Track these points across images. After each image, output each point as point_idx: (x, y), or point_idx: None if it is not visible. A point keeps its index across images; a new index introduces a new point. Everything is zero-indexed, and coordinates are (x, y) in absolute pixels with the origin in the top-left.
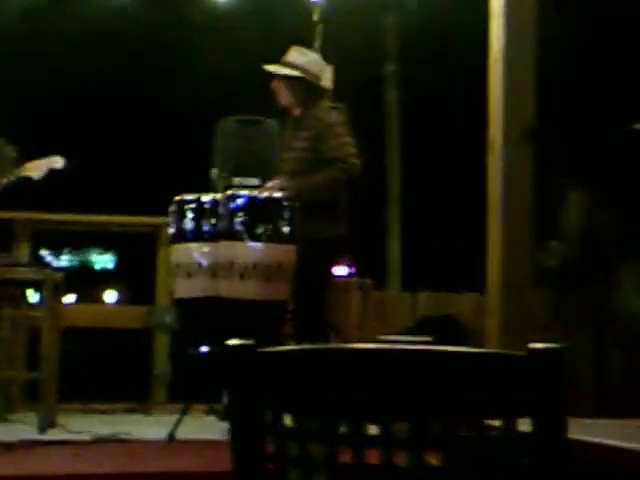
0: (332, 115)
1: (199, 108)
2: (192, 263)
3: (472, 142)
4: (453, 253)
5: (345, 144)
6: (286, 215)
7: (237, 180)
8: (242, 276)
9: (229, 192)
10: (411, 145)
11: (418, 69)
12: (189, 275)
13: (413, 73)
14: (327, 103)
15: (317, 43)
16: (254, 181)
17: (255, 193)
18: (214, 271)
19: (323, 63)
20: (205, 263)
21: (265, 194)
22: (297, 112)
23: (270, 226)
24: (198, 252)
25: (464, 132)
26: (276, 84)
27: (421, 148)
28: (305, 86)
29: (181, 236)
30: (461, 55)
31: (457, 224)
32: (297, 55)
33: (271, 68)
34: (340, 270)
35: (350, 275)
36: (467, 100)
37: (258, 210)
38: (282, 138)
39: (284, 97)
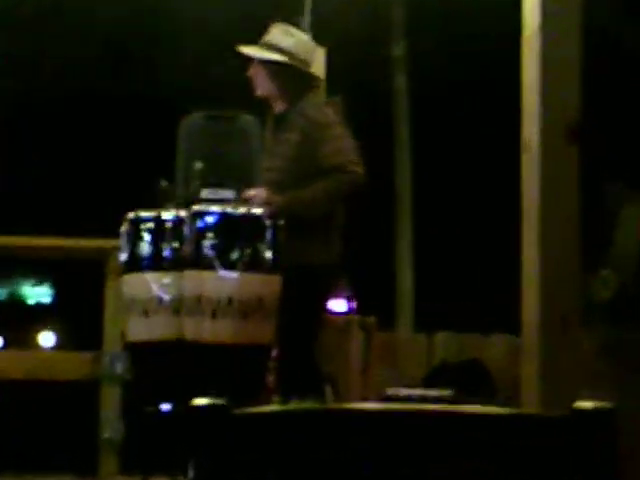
0: (326, 112)
1: (159, 102)
2: (150, 298)
3: (500, 141)
4: (479, 283)
5: (344, 149)
6: (268, 236)
7: (206, 192)
8: (213, 314)
9: (196, 208)
10: (425, 145)
11: (432, 50)
12: (146, 313)
13: (425, 55)
14: (318, 97)
15: (306, 20)
16: (228, 193)
17: (229, 209)
18: (178, 308)
19: (313, 45)
20: (166, 297)
21: (242, 210)
22: (280, 107)
23: (248, 251)
24: (157, 284)
25: (490, 128)
26: (254, 71)
27: (437, 148)
28: (291, 74)
29: (136, 264)
30: (485, 33)
31: (484, 245)
32: (281, 35)
33: (248, 50)
34: (337, 305)
35: (350, 311)
36: (493, 89)
37: (233, 230)
38: (262, 140)
39: (264, 87)
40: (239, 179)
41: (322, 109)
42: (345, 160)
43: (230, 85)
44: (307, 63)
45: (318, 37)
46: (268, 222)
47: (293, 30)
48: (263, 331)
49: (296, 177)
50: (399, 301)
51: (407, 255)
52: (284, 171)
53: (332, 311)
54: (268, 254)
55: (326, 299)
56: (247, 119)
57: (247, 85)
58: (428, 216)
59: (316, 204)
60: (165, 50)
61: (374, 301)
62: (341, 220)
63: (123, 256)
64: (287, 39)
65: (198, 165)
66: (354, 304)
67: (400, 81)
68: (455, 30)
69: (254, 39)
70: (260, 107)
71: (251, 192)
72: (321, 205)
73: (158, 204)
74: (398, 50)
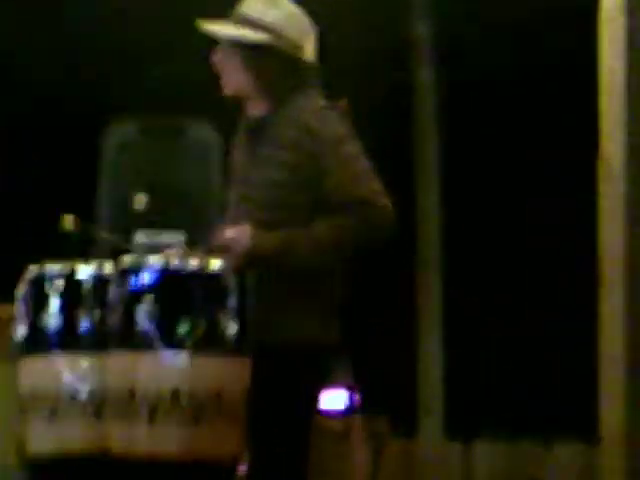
0: (333, 122)
1: (73, 103)
2: (59, 392)
3: (564, 159)
4: (535, 363)
5: (363, 174)
6: (232, 302)
7: (142, 235)
8: (151, 416)
9: (127, 259)
10: (457, 161)
11: (464, 32)
12: (54, 413)
13: (456, 38)
14: (315, 97)
15: None
16: (173, 237)
17: (175, 261)
18: (100, 406)
19: (306, 22)
20: (83, 391)
21: (194, 263)
22: (258, 110)
23: (202, 323)
24: (70, 371)
25: (549, 141)
26: (222, 57)
27: (474, 167)
28: (277, 61)
29: (38, 342)
30: (538, 11)
31: (537, 306)
32: (261, 5)
33: (213, 28)
34: (333, 400)
35: (351, 409)
36: (551, 86)
37: (181, 293)
38: (226, 158)
39: (236, 81)
40: (190, 215)
41: (327, 117)
42: (368, 190)
43: (174, 84)
44: (299, 47)
45: (314, 13)
46: (231, 281)
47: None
48: (223, 440)
49: (289, 213)
50: (422, 393)
51: (433, 321)
52: (268, 204)
53: (327, 410)
54: (231, 328)
55: (318, 392)
56: (201, 129)
57: (204, 82)
58: (461, 264)
59: (324, 251)
60: (83, 35)
61: (386, 393)
62: (340, 277)
63: (20, 330)
64: (271, 11)
65: (138, 197)
66: (357, 398)
67: (424, 73)
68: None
69: (221, 14)
70: (220, 110)
71: (230, 231)
72: (331, 253)
73: (71, 252)
74: (421, 30)
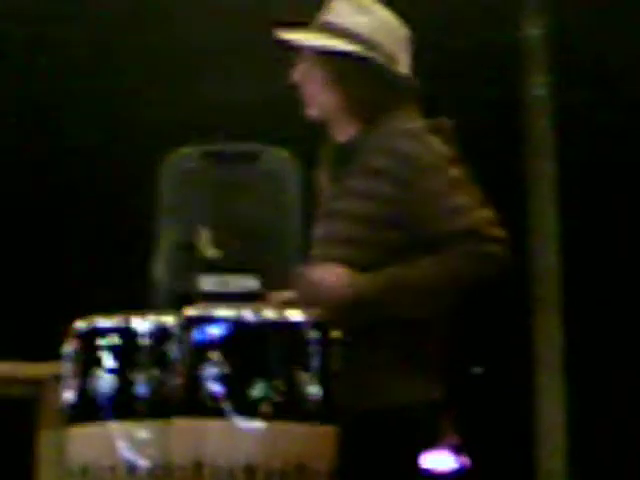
0: (430, 146)
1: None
2: (114, 465)
3: None
4: None
5: (469, 203)
6: (316, 361)
7: (210, 281)
8: None
9: (192, 311)
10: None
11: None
12: None
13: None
14: (411, 116)
15: None
16: (247, 282)
17: (248, 312)
18: None
19: (402, 30)
20: (142, 465)
21: (271, 314)
22: (346, 133)
23: (280, 384)
24: (127, 441)
25: None
26: (305, 72)
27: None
28: (370, 76)
29: (89, 408)
30: None
31: None
32: (349, 11)
33: (296, 36)
34: (438, 461)
35: (460, 473)
36: None
37: (254, 350)
38: (308, 191)
39: (323, 100)
40: (264, 256)
41: (424, 140)
42: (475, 220)
43: (238, 104)
44: (395, 59)
45: (405, 14)
46: (315, 334)
47: (367, 3)
48: None
49: (378, 251)
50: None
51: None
52: (357, 241)
53: (431, 471)
54: (313, 390)
55: (418, 458)
56: (276, 155)
57: (278, 103)
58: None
59: (433, 292)
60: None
61: (502, 456)
62: (446, 327)
63: (68, 395)
64: (361, 17)
65: (203, 233)
66: (466, 460)
67: (538, 83)
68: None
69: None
70: (295, 136)
71: (319, 274)
72: (440, 294)
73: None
74: (534, 32)
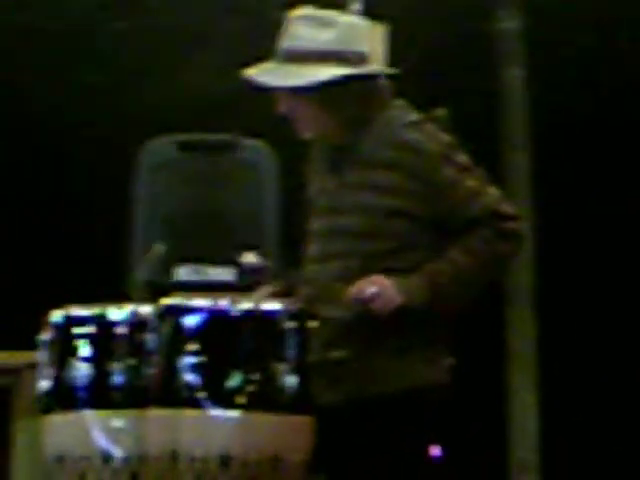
0: (433, 134)
1: (100, 122)
2: (90, 455)
3: None
4: None
5: (482, 187)
6: (291, 351)
7: (186, 271)
8: None
9: (168, 300)
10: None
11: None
12: (83, 479)
13: (552, 34)
14: (407, 109)
15: None
16: (223, 272)
17: (224, 302)
18: (137, 473)
19: (368, 27)
20: (118, 454)
21: (247, 305)
22: (340, 137)
23: (256, 375)
24: (103, 431)
25: None
26: (290, 105)
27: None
28: (354, 87)
29: (65, 396)
30: None
31: None
32: (310, 31)
33: (265, 79)
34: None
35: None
36: None
37: (231, 340)
38: (306, 189)
39: (317, 124)
40: (240, 247)
41: (428, 130)
42: (493, 200)
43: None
44: (369, 60)
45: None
46: (291, 325)
47: (326, 14)
48: None
49: (392, 241)
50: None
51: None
52: (366, 233)
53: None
54: (290, 380)
55: (426, 448)
56: (254, 146)
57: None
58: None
59: (470, 282)
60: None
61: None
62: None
63: (44, 384)
64: (324, 34)
65: (159, 246)
66: (437, 449)
67: (511, 73)
68: None
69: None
70: (276, 125)
71: (366, 286)
72: (477, 282)
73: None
74: (511, 24)
